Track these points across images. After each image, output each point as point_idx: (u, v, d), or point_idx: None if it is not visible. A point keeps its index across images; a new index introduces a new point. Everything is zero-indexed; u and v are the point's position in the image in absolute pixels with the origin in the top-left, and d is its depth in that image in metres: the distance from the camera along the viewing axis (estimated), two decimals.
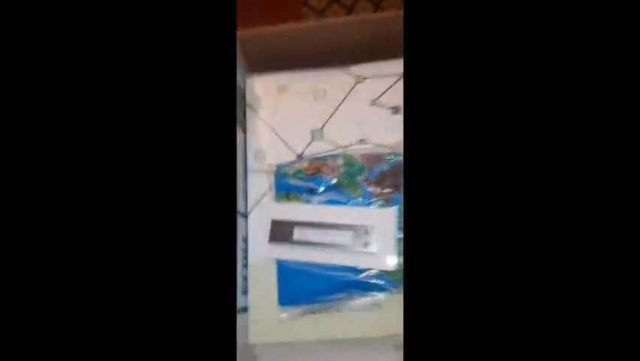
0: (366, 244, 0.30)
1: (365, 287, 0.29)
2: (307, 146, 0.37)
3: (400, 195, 0.33)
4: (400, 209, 0.32)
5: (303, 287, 0.30)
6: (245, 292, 0.31)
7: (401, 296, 0.29)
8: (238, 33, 0.27)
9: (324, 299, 0.29)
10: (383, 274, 0.30)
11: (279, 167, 0.35)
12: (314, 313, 0.29)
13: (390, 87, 0.40)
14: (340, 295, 0.29)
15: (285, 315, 0.29)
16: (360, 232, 0.31)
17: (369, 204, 0.33)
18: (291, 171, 0.34)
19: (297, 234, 0.31)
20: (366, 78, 0.40)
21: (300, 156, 0.36)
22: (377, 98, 0.39)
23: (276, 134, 0.37)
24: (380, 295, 0.29)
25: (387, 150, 0.35)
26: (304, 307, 0.29)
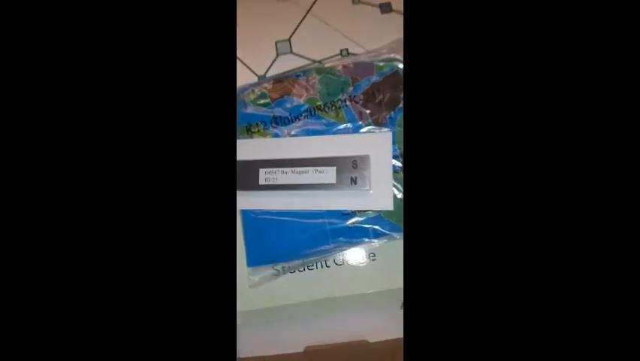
0: (354, 181, 0.23)
1: (355, 234, 0.23)
2: (272, 63, 0.28)
3: (397, 115, 0.25)
4: (397, 132, 0.24)
5: (276, 242, 0.23)
6: None
7: (401, 242, 0.22)
8: None
9: (304, 254, 0.23)
10: (379, 216, 0.23)
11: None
12: (292, 272, 0.23)
13: None
14: (324, 247, 0.23)
15: (256, 278, 0.23)
16: (346, 166, 0.23)
17: (357, 129, 0.25)
18: (252, 97, 0.26)
19: (264, 177, 0.24)
20: None
21: (262, 77, 0.28)
22: None
23: None
24: (375, 243, 0.23)
25: (379, 57, 0.27)
26: (280, 266, 0.23)
